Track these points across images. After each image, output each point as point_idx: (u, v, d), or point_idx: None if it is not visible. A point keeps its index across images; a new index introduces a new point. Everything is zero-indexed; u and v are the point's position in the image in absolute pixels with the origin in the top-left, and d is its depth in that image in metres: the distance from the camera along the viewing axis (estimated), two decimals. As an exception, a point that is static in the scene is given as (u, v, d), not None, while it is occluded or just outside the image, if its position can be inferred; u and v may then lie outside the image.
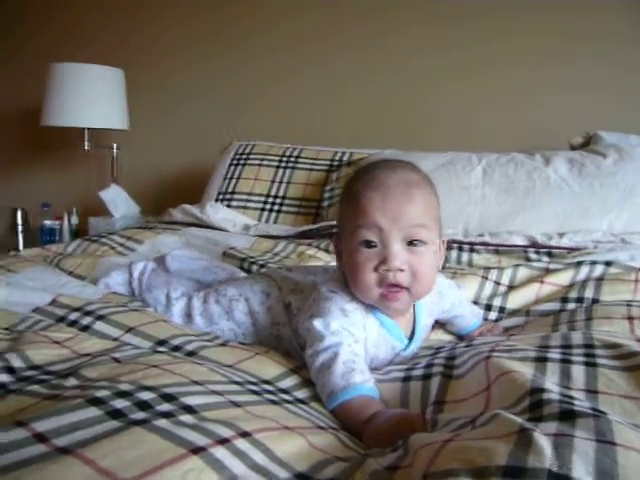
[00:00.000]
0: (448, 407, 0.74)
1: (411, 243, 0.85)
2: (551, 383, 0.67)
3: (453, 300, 1.05)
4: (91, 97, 2.61)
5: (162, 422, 0.57)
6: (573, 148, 2.15)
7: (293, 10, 2.75)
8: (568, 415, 0.56)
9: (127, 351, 0.82)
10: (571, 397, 0.62)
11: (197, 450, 0.53)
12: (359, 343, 0.85)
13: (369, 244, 0.85)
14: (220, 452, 0.54)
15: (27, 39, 3.15)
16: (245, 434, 0.58)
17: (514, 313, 1.15)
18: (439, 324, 1.11)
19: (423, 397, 0.78)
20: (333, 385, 0.77)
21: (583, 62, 2.41)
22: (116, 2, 3.03)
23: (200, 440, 0.55)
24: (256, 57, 2.83)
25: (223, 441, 0.55)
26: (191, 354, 0.86)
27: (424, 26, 2.59)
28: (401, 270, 0.84)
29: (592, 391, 0.67)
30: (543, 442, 0.51)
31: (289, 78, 2.78)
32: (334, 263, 1.42)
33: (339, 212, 0.95)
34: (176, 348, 0.89)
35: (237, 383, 0.75)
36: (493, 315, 1.16)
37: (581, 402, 0.61)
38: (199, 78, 2.92)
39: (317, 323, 0.86)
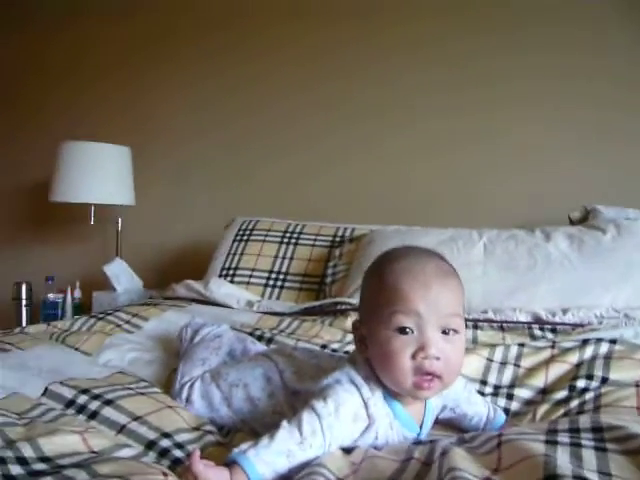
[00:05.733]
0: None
1: (445, 332, 0.86)
2: (564, 461, 0.66)
3: (457, 386, 1.03)
4: (99, 174, 2.68)
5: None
6: (572, 222, 2.18)
7: (295, 84, 2.86)
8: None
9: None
10: (585, 478, 0.61)
11: None
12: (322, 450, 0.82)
13: (404, 330, 0.85)
14: None
15: (38, 118, 3.26)
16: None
17: (524, 402, 1.14)
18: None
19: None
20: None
21: (581, 133, 2.46)
22: (124, 87, 3.15)
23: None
24: (258, 134, 2.91)
25: None
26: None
27: (425, 95, 2.66)
28: (437, 358, 0.85)
29: (606, 473, 0.65)
30: None
31: (291, 153, 2.85)
32: (337, 342, 1.43)
33: (365, 298, 0.95)
34: (179, 445, 0.91)
35: None
36: (501, 401, 1.14)
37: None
38: (203, 157, 3.00)
39: (319, 407, 0.83)
